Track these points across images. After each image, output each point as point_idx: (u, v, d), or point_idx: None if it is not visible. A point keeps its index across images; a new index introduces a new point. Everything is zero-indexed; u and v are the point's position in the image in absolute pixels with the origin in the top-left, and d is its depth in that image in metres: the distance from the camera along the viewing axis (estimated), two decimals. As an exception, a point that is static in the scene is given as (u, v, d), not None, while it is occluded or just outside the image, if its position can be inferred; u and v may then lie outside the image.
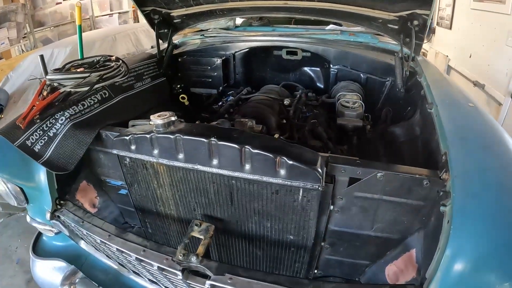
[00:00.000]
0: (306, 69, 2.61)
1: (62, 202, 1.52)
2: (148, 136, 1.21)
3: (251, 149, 1.07)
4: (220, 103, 2.39)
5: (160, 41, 2.38)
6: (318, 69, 2.57)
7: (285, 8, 2.09)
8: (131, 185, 1.48)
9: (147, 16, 2.17)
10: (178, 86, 2.49)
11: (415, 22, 1.83)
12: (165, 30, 2.33)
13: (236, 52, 2.56)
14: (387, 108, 2.15)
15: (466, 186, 0.96)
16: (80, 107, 1.54)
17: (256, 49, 2.54)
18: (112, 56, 1.80)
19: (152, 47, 5.57)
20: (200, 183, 1.25)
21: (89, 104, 1.59)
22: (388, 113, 2.10)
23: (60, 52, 4.27)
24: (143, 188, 1.44)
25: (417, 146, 1.56)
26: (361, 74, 2.35)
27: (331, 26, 2.65)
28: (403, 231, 1.22)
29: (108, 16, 8.57)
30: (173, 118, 1.20)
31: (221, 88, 2.58)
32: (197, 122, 1.84)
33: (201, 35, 2.81)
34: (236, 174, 1.15)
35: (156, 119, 1.18)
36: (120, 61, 1.76)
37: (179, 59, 2.47)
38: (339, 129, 1.92)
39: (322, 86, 2.58)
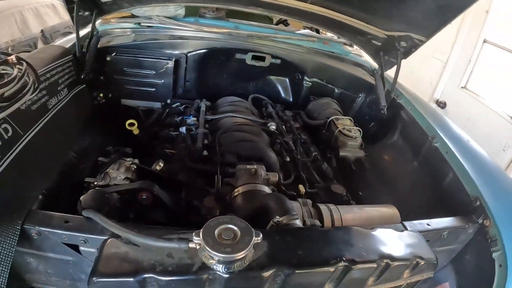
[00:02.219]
0: (272, 78, 2.76)
1: None
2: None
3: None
4: (178, 120, 2.23)
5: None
6: (286, 79, 2.77)
7: (270, 5, 2.19)
8: None
9: None
10: (101, 95, 2.23)
11: (403, 44, 2.30)
12: (87, 13, 2.06)
13: (189, 52, 2.44)
14: (354, 124, 2.56)
15: (509, 234, 1.40)
16: None
17: (216, 50, 2.50)
18: (8, 53, 1.34)
19: (42, 32, 4.81)
20: None
21: None
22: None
23: None
24: None
25: (422, 182, 1.99)
26: (336, 89, 2.73)
27: (306, 31, 2.88)
28: (437, 269, 1.62)
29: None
30: (247, 252, 0.88)
31: (169, 100, 2.44)
32: (157, 168, 1.68)
33: (135, 24, 2.51)
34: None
35: (222, 254, 0.85)
36: (24, 65, 1.34)
37: (107, 57, 2.22)
38: (338, 160, 2.19)
39: (290, 100, 2.80)
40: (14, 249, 1.04)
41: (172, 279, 0.89)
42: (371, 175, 2.27)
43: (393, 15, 2.12)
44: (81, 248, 1.11)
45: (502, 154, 4.29)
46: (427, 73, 5.56)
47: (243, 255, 0.86)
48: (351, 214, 1.47)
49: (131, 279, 0.88)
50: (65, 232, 1.06)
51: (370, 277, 1.07)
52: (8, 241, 1.03)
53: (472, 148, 1.92)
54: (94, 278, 0.87)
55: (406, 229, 1.32)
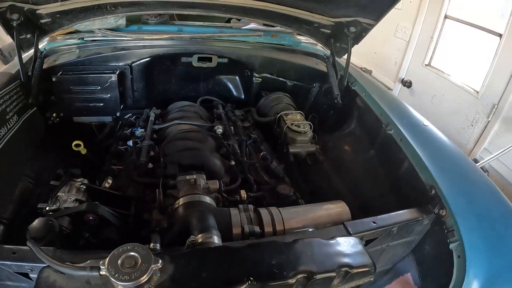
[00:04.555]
0: (222, 77, 2.72)
1: None
2: None
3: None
4: (128, 132, 2.20)
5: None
6: (236, 77, 2.72)
7: (206, 5, 2.14)
8: None
9: (2, 17, 1.85)
10: (54, 115, 2.21)
11: (352, 29, 2.23)
12: (28, 36, 2.04)
13: (133, 62, 2.41)
14: (312, 115, 2.52)
15: (466, 224, 1.34)
16: None
17: (160, 57, 2.46)
18: None
19: (0, 51, 4.59)
20: None
21: None
22: (313, 120, 2.45)
23: None
24: None
25: (378, 171, 1.94)
26: (288, 82, 2.66)
27: (251, 26, 2.80)
28: (395, 261, 1.60)
29: None
30: (145, 278, 0.91)
31: (118, 113, 2.40)
32: (105, 185, 1.70)
33: (78, 39, 2.47)
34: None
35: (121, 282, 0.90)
36: None
37: (53, 78, 2.18)
38: (289, 157, 2.13)
39: (242, 97, 2.75)
40: None
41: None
42: (328, 167, 2.22)
43: (337, 1, 2.06)
44: (31, 275, 1.16)
45: (471, 130, 4.29)
46: (391, 53, 5.55)
47: (143, 281, 0.89)
48: (294, 216, 1.45)
49: None
50: (13, 263, 1.12)
51: None
52: None
53: (429, 133, 1.87)
54: None
55: (348, 230, 1.27)
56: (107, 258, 0.92)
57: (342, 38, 2.36)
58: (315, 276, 0.99)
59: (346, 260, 1.04)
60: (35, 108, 2.00)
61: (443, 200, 1.42)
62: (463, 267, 1.27)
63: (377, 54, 5.77)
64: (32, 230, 1.24)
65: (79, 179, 1.64)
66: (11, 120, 1.77)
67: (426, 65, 5.03)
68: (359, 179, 2.03)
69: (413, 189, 1.61)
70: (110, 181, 1.75)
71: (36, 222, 1.28)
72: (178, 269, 1.00)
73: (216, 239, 1.20)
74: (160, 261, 0.93)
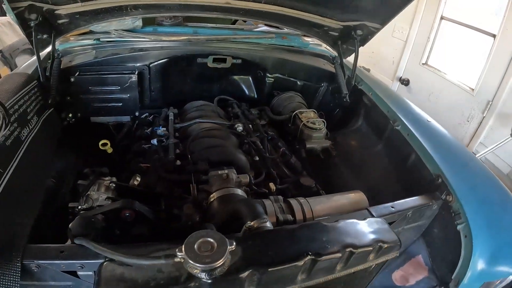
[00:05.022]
0: (235, 78, 2.82)
1: None
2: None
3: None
4: (148, 131, 2.24)
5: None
6: (249, 77, 2.83)
7: (225, 8, 2.22)
8: None
9: (20, 16, 1.82)
10: (70, 115, 2.20)
11: (359, 32, 2.39)
12: (44, 36, 2.04)
13: (151, 63, 2.45)
14: (320, 113, 2.65)
15: (470, 207, 1.52)
16: None
17: (177, 57, 2.51)
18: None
19: (1, 52, 4.55)
20: None
21: None
22: (321, 118, 2.51)
23: None
24: None
25: (386, 164, 2.10)
26: (298, 82, 2.80)
27: (264, 28, 2.92)
28: (408, 244, 1.75)
29: None
30: (223, 260, 0.96)
31: (137, 113, 2.45)
32: (134, 183, 1.70)
33: (94, 40, 2.48)
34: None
35: (200, 264, 0.95)
36: None
37: (71, 78, 2.20)
38: (306, 153, 2.27)
39: (254, 96, 2.87)
40: (18, 285, 1.10)
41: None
42: (339, 162, 2.36)
43: (346, 6, 2.20)
44: (79, 272, 1.18)
45: (467, 125, 4.49)
46: (388, 52, 5.73)
47: (221, 263, 0.95)
48: (320, 205, 1.55)
49: None
50: (62, 262, 1.13)
51: (338, 264, 1.15)
52: (11, 279, 1.10)
53: (432, 128, 2.04)
54: None
55: (372, 214, 1.41)
56: (183, 245, 0.97)
57: (348, 40, 2.51)
58: (357, 250, 1.13)
59: (378, 236, 1.19)
60: (52, 109, 1.99)
61: (449, 187, 1.59)
62: (470, 245, 1.45)
63: (375, 54, 5.94)
64: (74, 229, 1.27)
65: (106, 178, 1.67)
66: (32, 120, 1.74)
67: (423, 64, 5.23)
68: (369, 172, 2.18)
69: (421, 179, 1.77)
70: (138, 178, 1.75)
71: (77, 221, 1.32)
72: (246, 250, 1.09)
73: (269, 224, 1.29)
74: (234, 243, 1.00)
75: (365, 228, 1.22)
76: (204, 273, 0.97)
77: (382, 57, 5.81)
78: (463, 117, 4.53)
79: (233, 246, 0.99)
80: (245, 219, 1.30)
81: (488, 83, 4.24)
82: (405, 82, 5.51)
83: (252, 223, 1.25)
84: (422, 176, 1.77)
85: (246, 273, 1.03)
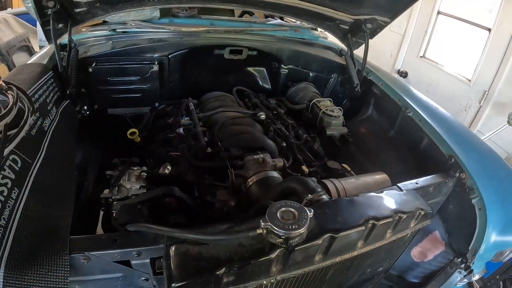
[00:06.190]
0: (250, 69, 2.91)
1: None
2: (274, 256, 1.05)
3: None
4: (170, 121, 2.25)
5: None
6: (263, 69, 2.93)
7: (245, 1, 2.32)
8: None
9: (37, 3, 1.78)
10: (85, 107, 2.19)
11: (369, 26, 2.53)
12: (61, 25, 1.99)
13: (170, 54, 2.47)
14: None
15: (482, 183, 1.68)
16: None
17: (196, 48, 2.54)
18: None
19: None
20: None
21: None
22: None
23: None
24: None
25: (400, 148, 2.25)
26: (310, 73, 2.92)
27: (278, 21, 3.04)
28: None
29: None
30: (307, 226, 1.02)
31: (157, 104, 2.44)
32: (165, 172, 1.72)
33: (110, 30, 2.47)
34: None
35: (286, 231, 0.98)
36: (14, 90, 1.23)
37: (89, 68, 2.16)
38: (324, 139, 2.40)
39: (269, 87, 2.97)
40: (68, 281, 1.03)
41: (251, 263, 1.03)
42: (354, 149, 2.50)
43: (360, 0, 2.33)
44: (133, 262, 1.16)
45: (465, 114, 4.68)
46: (386, 46, 5.88)
47: (305, 229, 1.01)
48: (351, 185, 1.66)
49: (216, 273, 0.99)
50: (116, 251, 1.10)
51: (388, 229, 1.29)
52: (60, 275, 1.02)
53: (441, 113, 2.20)
54: (174, 284, 0.96)
55: (401, 190, 1.52)
56: (266, 215, 1.00)
57: (358, 33, 2.65)
58: (404, 215, 1.26)
59: (417, 204, 1.33)
60: (69, 100, 1.93)
61: (462, 166, 1.74)
62: (484, 217, 1.62)
63: (372, 47, 6.07)
64: (119, 217, 1.28)
65: (136, 167, 1.66)
66: (51, 111, 1.67)
67: (421, 57, 5.40)
68: (383, 156, 2.32)
69: (435, 160, 1.92)
70: (169, 167, 1.75)
71: (122, 209, 1.32)
72: (318, 217, 1.15)
73: (325, 196, 1.38)
74: (312, 210, 1.05)
75: (406, 198, 1.37)
76: (286, 242, 1.00)
77: (380, 50, 5.96)
78: (460, 106, 4.72)
79: (311, 213, 1.04)
80: (302, 194, 1.37)
81: (484, 74, 4.44)
82: (403, 74, 5.68)
83: (312, 196, 1.32)
84: (436, 158, 1.92)
85: (322, 238, 1.09)
